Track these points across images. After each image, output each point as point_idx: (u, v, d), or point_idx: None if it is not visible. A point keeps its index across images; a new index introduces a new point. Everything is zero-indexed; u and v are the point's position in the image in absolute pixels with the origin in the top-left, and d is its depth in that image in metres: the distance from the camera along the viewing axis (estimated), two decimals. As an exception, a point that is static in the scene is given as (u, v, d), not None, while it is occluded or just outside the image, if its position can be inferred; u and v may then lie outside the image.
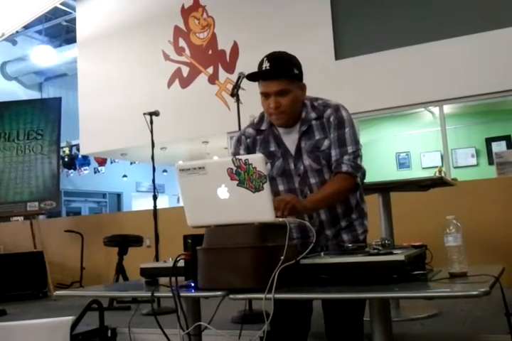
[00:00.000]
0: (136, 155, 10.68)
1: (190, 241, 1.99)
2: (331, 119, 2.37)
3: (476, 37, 6.57)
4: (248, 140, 2.49)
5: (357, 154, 2.35)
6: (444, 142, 7.11)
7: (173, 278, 1.85)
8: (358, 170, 2.33)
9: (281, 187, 2.42)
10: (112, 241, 5.72)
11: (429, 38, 6.83)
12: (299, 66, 2.35)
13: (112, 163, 14.96)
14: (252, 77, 2.34)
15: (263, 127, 2.47)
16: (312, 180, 2.38)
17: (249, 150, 2.48)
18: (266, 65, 2.26)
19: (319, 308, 2.42)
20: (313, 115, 2.40)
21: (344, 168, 2.30)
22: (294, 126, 2.40)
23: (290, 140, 2.41)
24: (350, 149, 2.34)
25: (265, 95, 2.32)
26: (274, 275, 1.73)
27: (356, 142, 2.37)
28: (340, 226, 2.42)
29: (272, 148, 2.43)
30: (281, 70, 2.28)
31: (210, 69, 8.56)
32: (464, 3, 6.78)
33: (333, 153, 2.35)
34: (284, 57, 2.34)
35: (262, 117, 2.50)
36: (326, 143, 2.36)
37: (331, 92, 7.29)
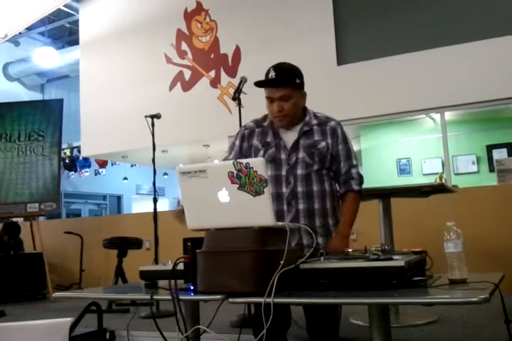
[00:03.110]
0: (137, 157, 10.67)
1: (189, 244, 1.99)
2: (338, 132, 2.67)
3: (478, 44, 6.57)
4: (246, 131, 2.77)
5: (358, 165, 2.72)
6: (445, 149, 7.10)
7: (173, 281, 1.86)
8: (362, 182, 2.71)
9: (268, 172, 2.56)
10: (111, 244, 5.72)
11: (431, 45, 6.83)
12: (300, 76, 2.63)
13: (112, 165, 14.94)
14: (259, 84, 2.60)
15: (265, 124, 2.74)
16: (299, 171, 2.61)
17: (244, 139, 2.76)
18: (272, 74, 2.54)
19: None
20: (315, 121, 2.69)
21: (354, 186, 2.66)
22: (294, 127, 2.67)
23: (288, 136, 2.66)
24: (354, 162, 2.70)
25: (270, 100, 2.59)
26: (274, 280, 1.73)
27: (356, 156, 2.76)
28: (314, 223, 2.59)
29: (269, 139, 2.68)
30: (284, 79, 2.55)
31: (212, 73, 8.56)
32: (465, 10, 6.78)
33: (342, 164, 2.67)
34: (288, 68, 2.63)
35: (265, 116, 2.77)
36: (323, 144, 2.64)
37: (333, 97, 7.34)
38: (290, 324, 2.71)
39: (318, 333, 2.58)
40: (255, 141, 2.70)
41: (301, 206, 2.58)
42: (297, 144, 2.63)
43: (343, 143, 2.67)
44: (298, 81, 2.59)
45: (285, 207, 2.57)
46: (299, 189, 2.58)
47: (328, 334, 2.58)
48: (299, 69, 2.64)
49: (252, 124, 2.78)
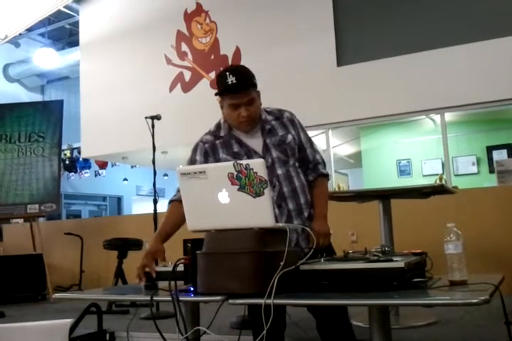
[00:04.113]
0: (137, 158, 10.68)
1: (190, 245, 1.99)
2: (296, 121, 2.69)
3: (478, 45, 6.58)
4: (206, 145, 2.66)
5: (319, 151, 2.77)
6: (445, 150, 7.11)
7: (173, 283, 1.85)
8: (325, 165, 2.78)
9: None
10: (111, 245, 5.72)
11: (431, 46, 6.84)
12: (254, 76, 2.55)
13: (112, 166, 14.96)
14: (221, 92, 2.51)
15: (222, 133, 2.64)
16: (279, 171, 2.57)
17: (208, 154, 2.64)
18: (231, 79, 2.42)
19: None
20: (270, 117, 2.65)
21: (323, 170, 2.70)
22: (254, 130, 2.61)
23: (253, 141, 2.60)
24: (316, 147, 2.74)
25: (235, 106, 2.49)
26: (274, 281, 1.72)
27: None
28: (304, 217, 2.60)
29: (236, 149, 2.60)
30: (246, 82, 2.48)
31: (212, 74, 8.57)
32: (465, 11, 6.79)
33: (308, 151, 2.69)
34: (243, 70, 2.54)
35: (218, 125, 2.69)
36: (290, 137, 2.62)
37: (333, 98, 7.34)
38: (285, 326, 2.72)
39: (332, 334, 2.56)
40: (222, 155, 2.60)
41: (290, 206, 2.56)
42: (266, 145, 2.58)
43: (303, 131, 2.69)
44: (255, 81, 2.53)
45: (277, 211, 2.51)
46: (285, 189, 2.56)
47: (345, 335, 2.56)
48: (249, 69, 2.57)
49: (209, 137, 2.68)
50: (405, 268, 1.75)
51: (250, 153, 2.57)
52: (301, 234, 2.49)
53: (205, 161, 2.62)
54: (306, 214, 2.59)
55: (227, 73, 2.44)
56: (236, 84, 2.42)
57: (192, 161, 2.66)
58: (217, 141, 2.64)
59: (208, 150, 2.64)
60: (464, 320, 3.84)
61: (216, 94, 2.54)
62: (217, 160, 2.60)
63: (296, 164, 2.64)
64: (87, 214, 17.88)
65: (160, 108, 6.65)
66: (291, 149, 2.61)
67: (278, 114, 2.67)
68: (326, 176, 2.72)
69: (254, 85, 2.52)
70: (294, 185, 2.59)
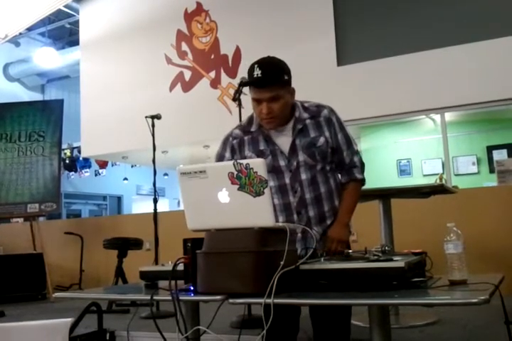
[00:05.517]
0: (137, 158, 10.67)
1: (190, 244, 1.99)
2: (334, 121, 2.50)
3: (478, 45, 6.57)
4: (234, 141, 2.57)
5: (359, 151, 2.59)
6: (445, 149, 7.10)
7: (173, 282, 1.85)
8: (364, 168, 2.57)
9: (271, 183, 2.45)
10: (111, 244, 5.72)
11: (431, 46, 6.84)
12: (288, 71, 2.41)
13: (112, 165, 14.95)
14: (244, 84, 2.44)
15: (252, 129, 2.54)
16: (303, 176, 2.45)
17: (235, 151, 2.55)
18: (257, 72, 2.30)
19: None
20: (305, 115, 2.49)
21: (358, 175, 2.54)
22: (285, 126, 2.48)
23: (282, 139, 2.48)
24: (355, 147, 2.56)
25: (257, 101, 2.38)
26: (274, 280, 1.72)
27: (354, 139, 2.59)
28: (326, 225, 2.49)
29: (262, 147, 2.50)
30: (272, 78, 2.32)
31: (213, 74, 8.57)
32: (465, 11, 6.78)
33: (345, 154, 2.52)
34: (274, 64, 2.39)
35: (250, 119, 2.57)
36: (322, 140, 2.46)
37: (333, 98, 7.28)
38: (299, 328, 2.60)
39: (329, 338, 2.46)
40: (247, 152, 2.50)
41: (311, 213, 2.45)
42: (294, 146, 2.45)
43: (341, 131, 2.50)
44: (286, 77, 2.37)
45: (295, 217, 2.44)
46: (307, 195, 2.45)
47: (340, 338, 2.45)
48: (286, 64, 2.41)
49: (238, 132, 2.57)
50: (405, 267, 1.75)
51: (276, 153, 2.47)
52: (318, 241, 2.40)
53: (232, 158, 2.53)
54: (329, 221, 2.49)
55: (256, 65, 2.32)
56: (260, 78, 2.30)
57: (220, 156, 2.58)
58: (246, 137, 2.54)
59: (236, 146, 2.55)
60: (464, 320, 3.84)
61: (240, 85, 2.50)
62: (243, 157, 2.51)
63: (327, 167, 2.50)
64: (87, 214, 17.90)
65: (160, 107, 6.64)
66: (321, 153, 2.46)
67: (315, 112, 2.50)
68: (360, 181, 2.56)
69: (283, 81, 2.36)
70: (318, 191, 2.47)
